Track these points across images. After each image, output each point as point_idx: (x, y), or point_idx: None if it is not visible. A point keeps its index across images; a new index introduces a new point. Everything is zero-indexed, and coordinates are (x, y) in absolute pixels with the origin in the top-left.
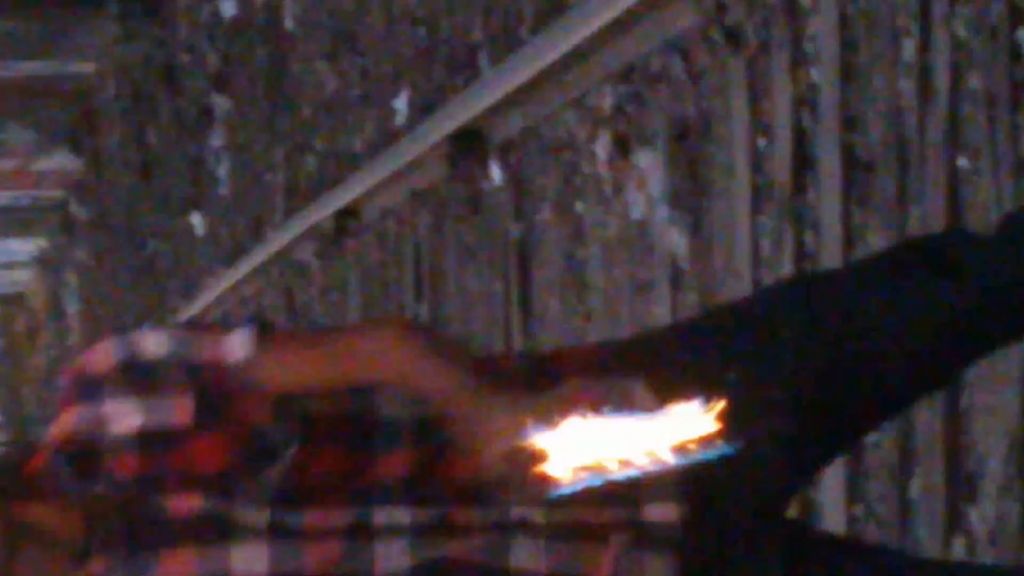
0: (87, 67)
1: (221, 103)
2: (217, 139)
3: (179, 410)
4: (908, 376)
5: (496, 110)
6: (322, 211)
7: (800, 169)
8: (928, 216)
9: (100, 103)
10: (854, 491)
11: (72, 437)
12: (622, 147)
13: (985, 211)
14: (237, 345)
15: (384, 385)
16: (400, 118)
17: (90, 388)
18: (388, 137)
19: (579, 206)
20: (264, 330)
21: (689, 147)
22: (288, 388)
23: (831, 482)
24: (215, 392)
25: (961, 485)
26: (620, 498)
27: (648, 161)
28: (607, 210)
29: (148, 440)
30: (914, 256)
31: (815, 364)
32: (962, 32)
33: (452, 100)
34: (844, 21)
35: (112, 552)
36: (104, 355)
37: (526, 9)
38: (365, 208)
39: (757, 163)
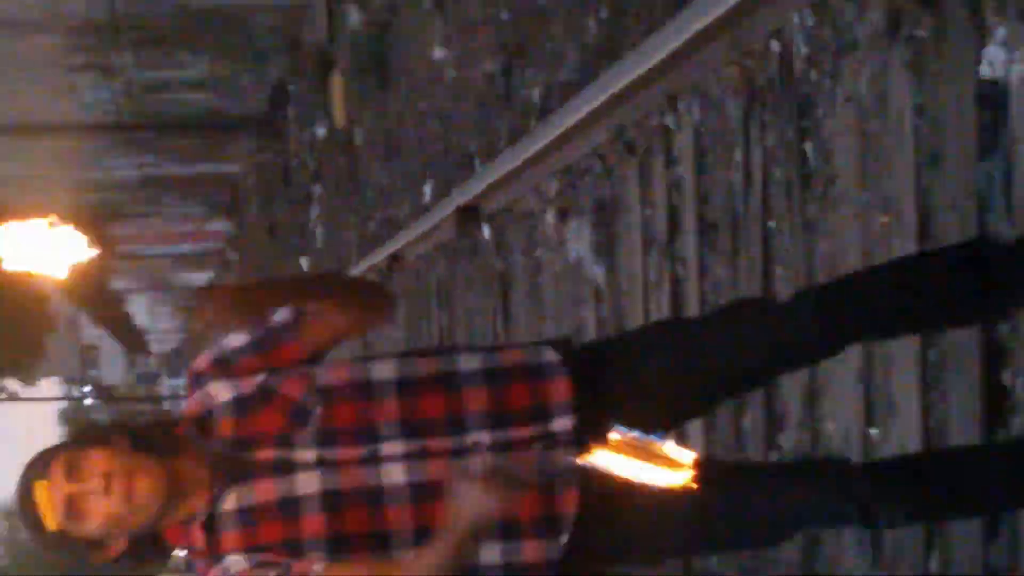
0: (235, 167)
1: (316, 190)
2: (315, 212)
3: (248, 385)
4: (728, 379)
5: (485, 194)
6: (379, 256)
7: (672, 229)
8: (751, 257)
9: (243, 189)
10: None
11: (195, 412)
12: (563, 216)
13: (784, 253)
14: (282, 315)
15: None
16: (426, 198)
17: (199, 380)
18: (419, 210)
19: (538, 252)
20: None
21: (605, 216)
22: (314, 340)
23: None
24: (267, 362)
25: None
26: (533, 416)
27: (579, 224)
28: (555, 254)
29: (235, 407)
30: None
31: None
32: (769, 142)
33: (458, 188)
34: (697, 137)
35: (227, 485)
36: (203, 357)
37: (502, 131)
38: (406, 254)
39: (645, 225)
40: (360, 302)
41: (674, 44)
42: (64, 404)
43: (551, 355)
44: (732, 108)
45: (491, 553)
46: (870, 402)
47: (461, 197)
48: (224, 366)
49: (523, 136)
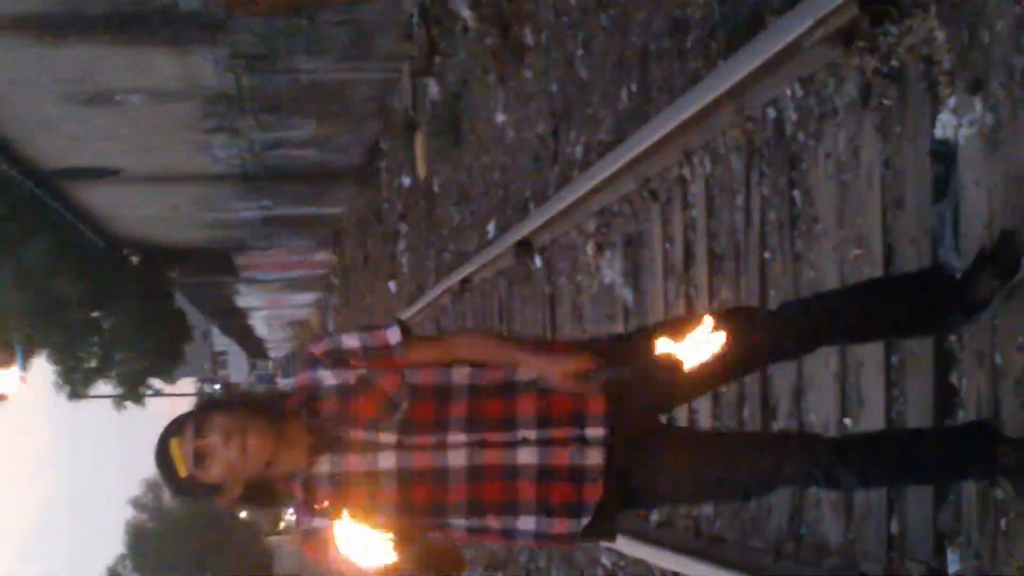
0: (337, 209)
1: (403, 228)
2: (401, 245)
3: (351, 377)
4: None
5: (537, 231)
6: (453, 279)
7: (687, 259)
8: (751, 282)
9: (343, 227)
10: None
11: (303, 389)
12: (599, 248)
13: (777, 279)
14: (391, 334)
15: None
16: (490, 235)
17: (313, 363)
18: (484, 244)
19: (578, 277)
20: (404, 326)
21: (632, 249)
22: (417, 362)
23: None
24: (373, 367)
25: None
26: (573, 421)
27: (612, 255)
28: (592, 279)
29: (338, 392)
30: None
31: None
32: (765, 190)
33: (515, 226)
34: (708, 186)
35: (325, 453)
36: (321, 345)
37: (551, 181)
38: (475, 278)
39: (665, 256)
40: None
41: (689, 112)
42: (200, 398)
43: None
44: (736, 162)
45: (527, 523)
46: (844, 397)
47: (518, 233)
48: (336, 357)
49: (567, 185)
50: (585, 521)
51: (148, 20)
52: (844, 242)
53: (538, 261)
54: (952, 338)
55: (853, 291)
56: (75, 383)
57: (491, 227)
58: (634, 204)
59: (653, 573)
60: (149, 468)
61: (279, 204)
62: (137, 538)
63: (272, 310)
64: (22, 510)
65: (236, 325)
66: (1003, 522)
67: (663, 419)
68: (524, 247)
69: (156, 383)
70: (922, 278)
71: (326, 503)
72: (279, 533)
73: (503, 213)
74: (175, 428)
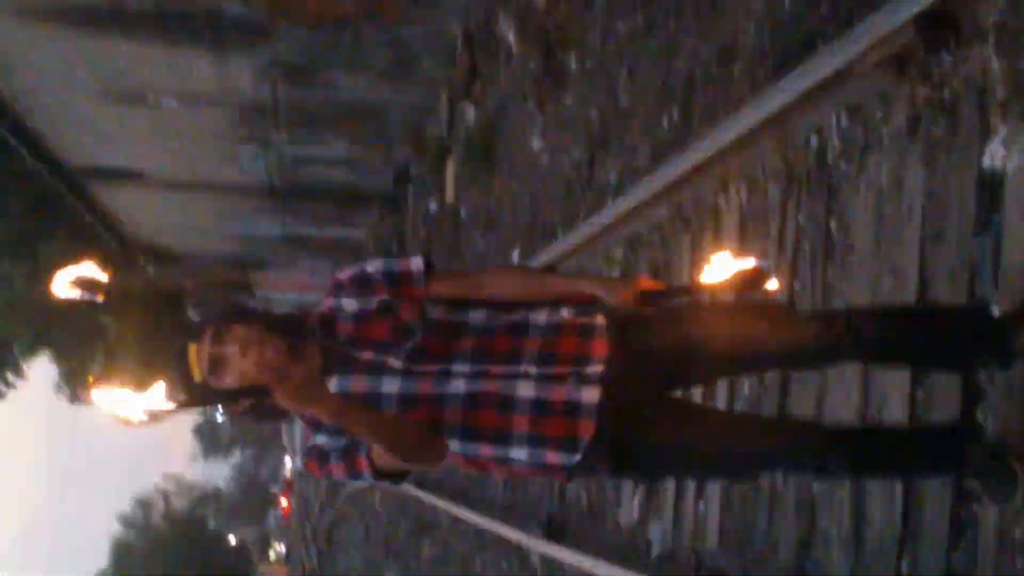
0: (359, 233)
1: None
2: None
3: (374, 302)
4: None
5: (564, 256)
6: None
7: None
8: None
9: (364, 252)
10: None
11: (325, 313)
12: (624, 276)
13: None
14: (415, 263)
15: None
16: (514, 261)
17: (337, 288)
18: None
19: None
20: (428, 260)
21: (657, 277)
22: (439, 294)
23: None
24: (396, 295)
25: None
26: (575, 361)
27: None
28: None
29: (356, 317)
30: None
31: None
32: (801, 220)
33: (541, 252)
34: (742, 214)
35: (335, 371)
36: (347, 272)
37: (582, 208)
38: None
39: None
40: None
41: (729, 138)
42: (199, 417)
43: (600, 320)
44: (773, 191)
45: (519, 452)
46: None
47: (542, 258)
48: (360, 284)
49: (599, 210)
50: (577, 457)
51: (192, 20)
52: (878, 274)
53: None
54: (982, 376)
55: (885, 313)
56: (77, 386)
57: (515, 254)
58: (664, 232)
59: None
60: (141, 485)
61: (301, 223)
62: (121, 555)
63: None
64: (7, 518)
65: None
66: (1019, 562)
67: (673, 394)
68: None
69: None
70: (960, 314)
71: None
72: (268, 563)
73: (529, 240)
74: (194, 333)
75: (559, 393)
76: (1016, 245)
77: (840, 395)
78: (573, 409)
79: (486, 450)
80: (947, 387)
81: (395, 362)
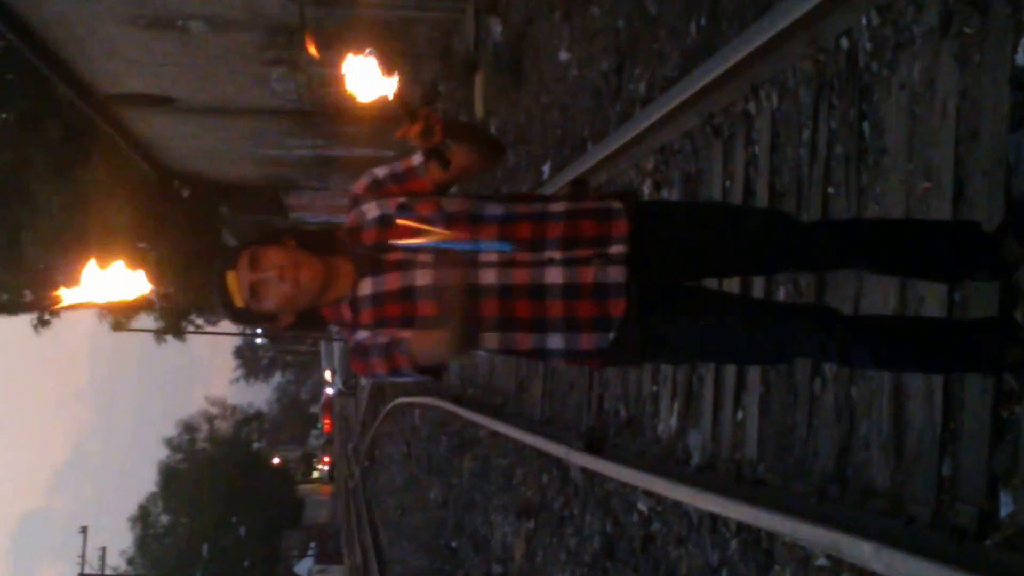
0: (391, 152)
1: None
2: (453, 189)
3: (392, 205)
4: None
5: (593, 169)
6: None
7: (747, 196)
8: (811, 218)
9: None
10: None
11: (350, 225)
12: (657, 187)
13: (839, 215)
14: (415, 158)
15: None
16: (545, 175)
17: (355, 201)
18: (539, 183)
19: None
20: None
21: (691, 187)
22: (443, 179)
23: None
24: (406, 192)
25: None
26: (597, 243)
27: (670, 193)
28: None
29: (379, 222)
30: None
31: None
32: (833, 125)
33: (571, 164)
34: (773, 121)
35: (367, 277)
36: (360, 182)
37: (611, 119)
38: None
39: (724, 194)
40: (483, 148)
41: (758, 42)
42: (239, 340)
43: (617, 204)
44: (804, 95)
45: (556, 340)
46: None
47: (572, 172)
48: (375, 188)
49: (627, 122)
50: (612, 336)
51: None
52: (912, 175)
53: None
54: (1020, 272)
55: (887, 224)
56: (118, 314)
57: (546, 167)
58: (695, 141)
59: (691, 516)
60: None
61: (332, 144)
62: (169, 478)
63: None
64: (56, 442)
65: None
66: None
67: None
68: (579, 186)
69: (198, 320)
70: (956, 229)
71: (367, 322)
72: (311, 482)
73: (560, 153)
74: (231, 261)
75: (587, 275)
76: None
77: (876, 297)
78: (602, 289)
79: (524, 340)
80: (985, 288)
81: (424, 256)
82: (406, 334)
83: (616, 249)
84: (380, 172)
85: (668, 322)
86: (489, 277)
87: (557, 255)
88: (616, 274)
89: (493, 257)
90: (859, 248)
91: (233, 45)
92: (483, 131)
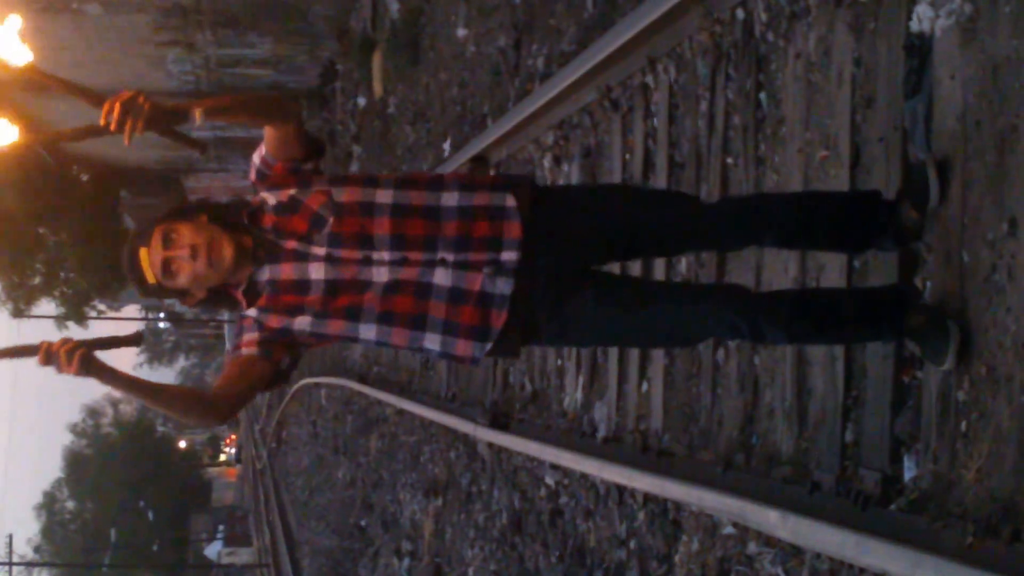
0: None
1: (356, 150)
2: (354, 167)
3: (284, 196)
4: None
5: (494, 145)
6: None
7: (646, 169)
8: (711, 189)
9: None
10: None
11: (255, 206)
12: (556, 161)
13: (738, 185)
14: (255, 155)
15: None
16: (446, 152)
17: (255, 188)
18: (439, 161)
19: None
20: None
21: (591, 161)
22: (280, 154)
23: None
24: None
25: None
26: (490, 246)
27: (570, 167)
28: None
29: (276, 210)
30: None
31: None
32: (730, 95)
33: (471, 141)
34: (671, 93)
35: (263, 260)
36: (251, 174)
37: (511, 95)
38: None
39: (624, 167)
40: (263, 111)
41: (655, 15)
42: (142, 325)
43: (511, 201)
44: (702, 67)
45: (433, 340)
46: None
47: (473, 148)
48: (266, 179)
49: (526, 98)
50: (488, 346)
51: None
52: (810, 144)
53: None
54: (920, 243)
55: (789, 197)
56: (18, 300)
57: (447, 145)
58: (594, 115)
59: (598, 489)
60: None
61: (231, 126)
62: (74, 464)
63: None
64: None
65: None
66: (963, 424)
67: (595, 268)
68: (479, 163)
69: (100, 306)
70: (857, 198)
71: (261, 306)
72: (217, 464)
73: (460, 130)
74: (144, 237)
75: (475, 282)
76: (947, 107)
77: (778, 268)
78: (487, 299)
79: (400, 336)
80: (884, 257)
81: (318, 249)
82: (296, 321)
83: (507, 256)
84: (257, 158)
85: (571, 310)
86: (382, 275)
87: (449, 256)
88: (504, 286)
89: (386, 255)
90: (764, 225)
91: (128, 26)
92: (260, 96)
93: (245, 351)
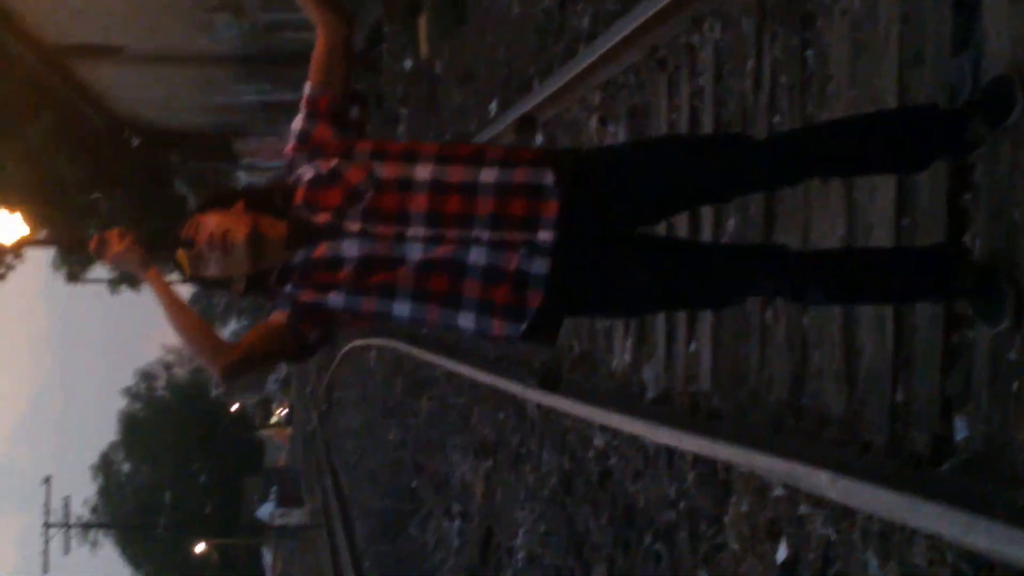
0: None
1: (403, 112)
2: (401, 129)
3: (324, 168)
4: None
5: (540, 106)
6: None
7: (693, 128)
8: None
9: None
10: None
11: (286, 185)
12: (603, 122)
13: None
14: (295, 120)
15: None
16: (492, 114)
17: (291, 162)
18: (486, 123)
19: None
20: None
21: (637, 121)
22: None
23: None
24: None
25: None
26: (526, 225)
27: (616, 128)
28: None
29: (311, 184)
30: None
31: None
32: (777, 54)
33: (518, 102)
34: (717, 52)
35: (298, 244)
36: (289, 145)
37: (556, 56)
38: None
39: (671, 126)
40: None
41: None
42: (195, 287)
43: (550, 178)
44: (747, 25)
45: (467, 319)
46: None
47: (519, 110)
48: (304, 143)
49: (572, 58)
50: (523, 326)
51: None
52: (857, 102)
53: (539, 138)
54: (967, 196)
55: (841, 122)
56: (73, 264)
57: (493, 106)
58: (640, 75)
59: (647, 450)
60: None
61: (279, 89)
62: (129, 427)
63: None
64: (15, 393)
65: None
66: (1015, 384)
67: (640, 230)
68: (526, 123)
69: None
70: (913, 113)
71: (294, 286)
72: (270, 427)
73: (506, 92)
74: (182, 234)
75: (511, 262)
76: (995, 62)
77: (825, 225)
78: (522, 280)
79: (434, 313)
80: (933, 213)
81: (352, 224)
82: (330, 297)
83: (544, 236)
84: (296, 125)
85: (620, 282)
86: (415, 252)
87: (484, 235)
88: (540, 265)
89: (422, 231)
90: (817, 153)
91: None
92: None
93: (274, 319)
